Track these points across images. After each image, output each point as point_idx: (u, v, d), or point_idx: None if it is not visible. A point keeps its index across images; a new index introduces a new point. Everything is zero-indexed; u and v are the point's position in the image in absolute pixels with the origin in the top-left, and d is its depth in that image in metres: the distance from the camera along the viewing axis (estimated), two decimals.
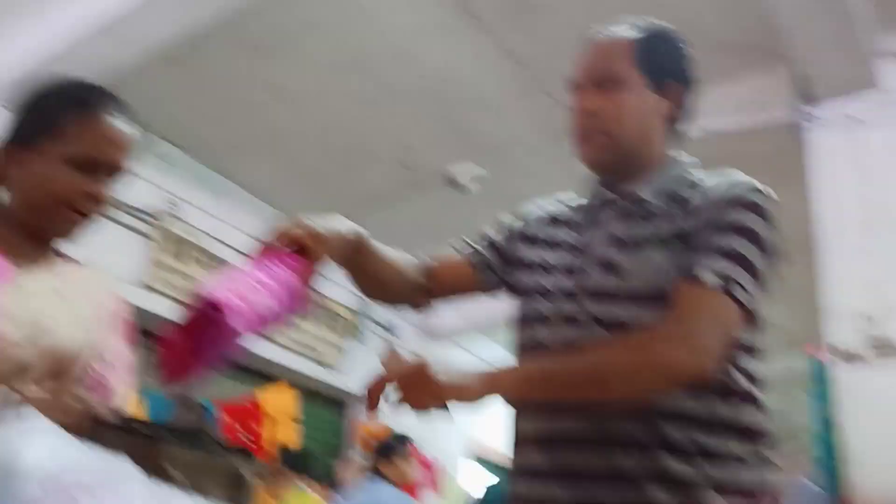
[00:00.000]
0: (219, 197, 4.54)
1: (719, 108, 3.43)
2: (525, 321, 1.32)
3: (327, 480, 4.79)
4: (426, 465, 5.50)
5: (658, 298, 1.14)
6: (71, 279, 1.27)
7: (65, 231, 1.26)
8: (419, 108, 3.94)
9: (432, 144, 4.21)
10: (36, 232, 1.26)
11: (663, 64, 1.28)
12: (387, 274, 1.40)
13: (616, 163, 1.28)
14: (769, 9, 2.89)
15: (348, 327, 5.31)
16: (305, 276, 1.15)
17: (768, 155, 3.54)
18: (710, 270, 1.11)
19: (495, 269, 1.41)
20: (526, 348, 1.31)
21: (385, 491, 3.55)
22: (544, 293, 1.28)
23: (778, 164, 3.54)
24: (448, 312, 5.90)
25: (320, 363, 5.10)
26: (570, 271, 1.26)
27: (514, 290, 1.37)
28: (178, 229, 4.26)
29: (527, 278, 1.34)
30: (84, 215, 1.24)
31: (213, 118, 4.06)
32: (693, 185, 1.24)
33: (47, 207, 1.22)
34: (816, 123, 3.17)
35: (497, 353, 6.77)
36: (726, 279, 1.10)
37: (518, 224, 1.43)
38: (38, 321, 1.16)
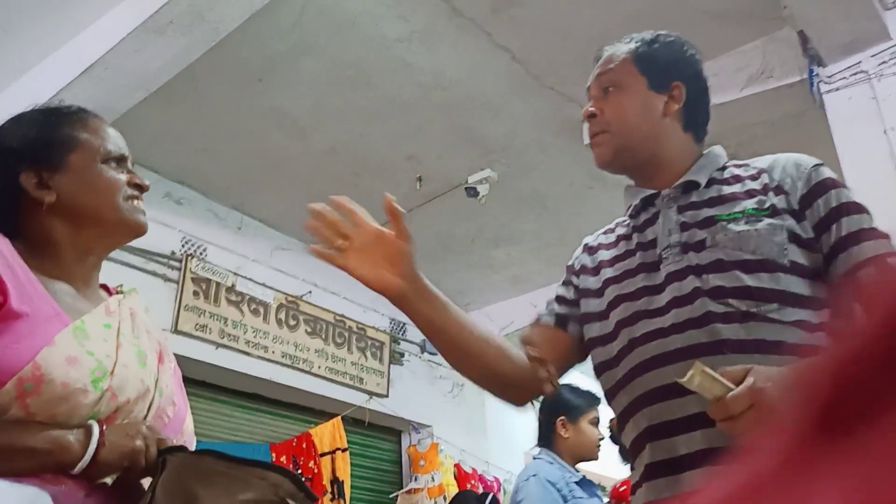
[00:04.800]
0: (234, 231, 4.53)
1: (733, 79, 3.35)
2: (605, 337, 1.33)
3: None
4: (485, 483, 5.43)
5: (754, 263, 1.18)
6: (125, 314, 1.26)
7: (136, 222, 1.30)
8: (423, 118, 3.90)
9: (440, 152, 4.16)
10: (96, 245, 1.29)
11: (666, 66, 1.35)
12: (497, 361, 1.35)
13: (623, 159, 1.35)
14: None
15: (388, 353, 5.27)
16: None
17: (790, 118, 3.45)
18: (867, 257, 1.14)
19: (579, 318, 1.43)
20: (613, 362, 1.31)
21: None
22: (624, 298, 1.30)
23: (802, 127, 3.46)
24: (482, 322, 5.84)
25: (367, 392, 5.06)
26: (650, 267, 1.29)
27: (590, 317, 1.39)
28: (203, 270, 4.26)
29: (596, 301, 1.37)
30: (142, 211, 1.32)
31: (216, 152, 4.05)
32: (739, 167, 1.33)
33: (112, 203, 1.27)
34: (832, 82, 3.09)
35: None
36: (885, 256, 1.14)
37: (574, 267, 1.47)
38: (103, 363, 1.13)
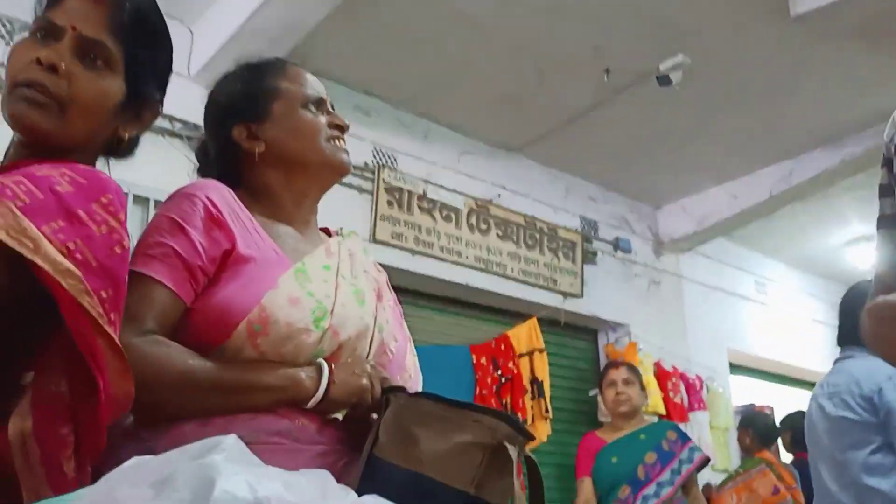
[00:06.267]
0: (422, 139, 4.56)
1: None
2: None
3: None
4: (687, 382, 5.34)
5: None
6: (344, 255, 1.30)
7: (340, 162, 1.35)
8: (609, 4, 3.66)
9: (628, 40, 3.91)
10: (308, 188, 1.34)
11: None
12: None
13: None
14: None
15: (581, 252, 5.20)
16: None
17: None
18: None
19: None
20: None
21: None
22: None
23: None
24: (678, 216, 5.61)
25: (561, 293, 5.04)
26: None
27: None
28: (395, 180, 4.34)
29: None
30: (344, 150, 1.36)
31: (401, 61, 4.04)
32: None
33: (314, 145, 1.32)
34: None
35: (739, 255, 6.40)
36: None
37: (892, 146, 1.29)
38: (322, 303, 1.17)
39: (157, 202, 3.39)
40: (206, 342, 1.12)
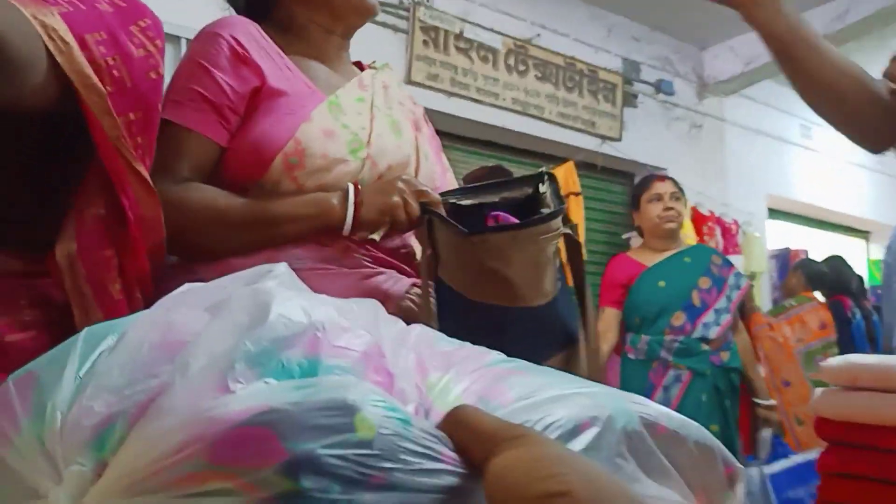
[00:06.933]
0: None
1: None
2: None
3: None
4: (724, 226, 5.32)
5: None
6: (378, 87, 1.28)
7: (364, 4, 1.30)
8: None
9: None
10: (334, 26, 1.30)
11: None
12: (854, 95, 1.21)
13: None
14: None
15: (621, 95, 5.06)
16: None
17: None
18: None
19: None
20: None
21: None
22: None
23: None
24: (725, 57, 5.39)
25: (600, 136, 4.95)
26: None
27: None
28: (431, 19, 4.20)
29: None
30: None
31: None
32: None
33: None
34: None
35: (786, 98, 6.18)
36: None
37: None
38: (358, 135, 1.17)
39: (187, 41, 3.32)
40: (244, 179, 1.14)
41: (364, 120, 1.19)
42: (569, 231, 1.13)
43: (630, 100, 5.15)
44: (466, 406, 0.42)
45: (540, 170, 1.19)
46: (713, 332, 3.01)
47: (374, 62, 1.38)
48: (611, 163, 5.03)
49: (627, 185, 5.33)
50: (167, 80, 1.11)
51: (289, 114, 1.15)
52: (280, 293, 0.44)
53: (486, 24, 4.44)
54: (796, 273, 4.76)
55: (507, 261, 1.04)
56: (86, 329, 0.50)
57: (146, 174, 0.94)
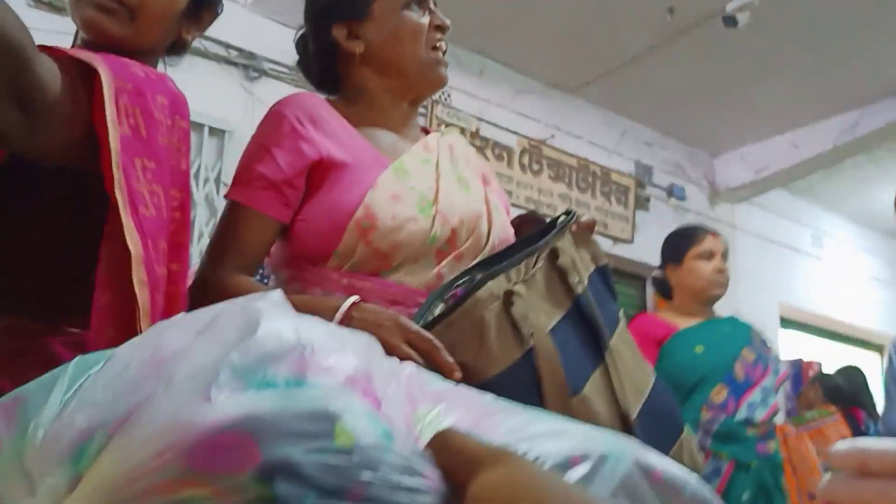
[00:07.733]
0: (476, 75, 4.50)
1: None
2: None
3: None
4: None
5: None
6: (443, 149, 1.32)
7: (437, 77, 1.33)
8: None
9: None
10: (405, 95, 1.34)
11: None
12: None
13: None
14: None
15: (633, 197, 5.12)
16: None
17: None
18: None
19: None
20: None
21: None
22: None
23: None
24: (736, 165, 5.47)
25: (611, 237, 4.99)
26: None
27: None
28: (448, 116, 4.31)
29: None
30: (443, 52, 1.33)
31: None
32: None
33: (414, 55, 1.30)
34: None
35: (797, 207, 6.24)
36: None
37: None
38: (425, 194, 1.21)
39: (211, 129, 3.43)
40: (320, 250, 1.18)
41: (430, 180, 1.23)
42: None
43: (642, 203, 5.20)
44: (451, 429, 0.41)
45: (557, 217, 1.22)
46: (760, 415, 2.48)
47: (441, 125, 1.42)
48: (622, 265, 5.03)
49: (639, 288, 5.32)
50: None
51: (356, 182, 1.19)
52: (270, 311, 0.44)
53: (501, 123, 4.54)
54: (814, 386, 4.69)
55: (450, 347, 1.01)
56: (77, 357, 0.50)
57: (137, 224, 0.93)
